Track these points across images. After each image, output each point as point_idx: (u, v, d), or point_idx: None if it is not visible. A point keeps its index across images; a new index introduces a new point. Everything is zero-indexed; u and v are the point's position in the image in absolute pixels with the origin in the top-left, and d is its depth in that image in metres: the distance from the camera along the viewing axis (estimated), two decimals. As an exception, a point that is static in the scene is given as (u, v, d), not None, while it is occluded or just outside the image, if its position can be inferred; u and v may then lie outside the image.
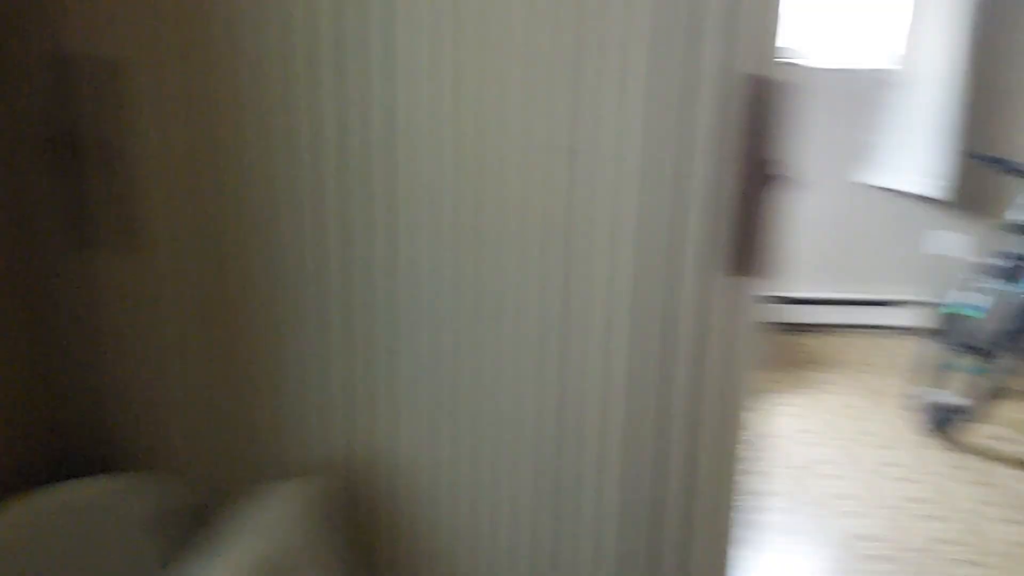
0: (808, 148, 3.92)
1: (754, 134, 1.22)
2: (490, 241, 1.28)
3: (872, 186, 3.96)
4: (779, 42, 1.20)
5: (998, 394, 2.89)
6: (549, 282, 1.30)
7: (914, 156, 3.81)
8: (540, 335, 1.32)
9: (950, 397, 3.13)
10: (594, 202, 1.26)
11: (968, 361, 3.12)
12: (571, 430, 1.35)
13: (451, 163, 1.26)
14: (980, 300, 3.03)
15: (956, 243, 4.01)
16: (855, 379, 3.58)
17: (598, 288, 1.29)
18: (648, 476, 1.37)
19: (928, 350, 3.29)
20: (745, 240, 1.26)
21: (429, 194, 1.27)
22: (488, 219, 1.27)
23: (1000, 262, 3.01)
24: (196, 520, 1.31)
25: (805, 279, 4.11)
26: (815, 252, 4.07)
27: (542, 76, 1.22)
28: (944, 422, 3.06)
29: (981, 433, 3.13)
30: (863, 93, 3.85)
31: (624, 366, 1.32)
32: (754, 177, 1.24)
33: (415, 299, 1.31)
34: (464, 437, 1.37)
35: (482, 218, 1.28)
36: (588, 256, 1.28)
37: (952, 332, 3.13)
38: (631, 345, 1.31)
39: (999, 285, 3.04)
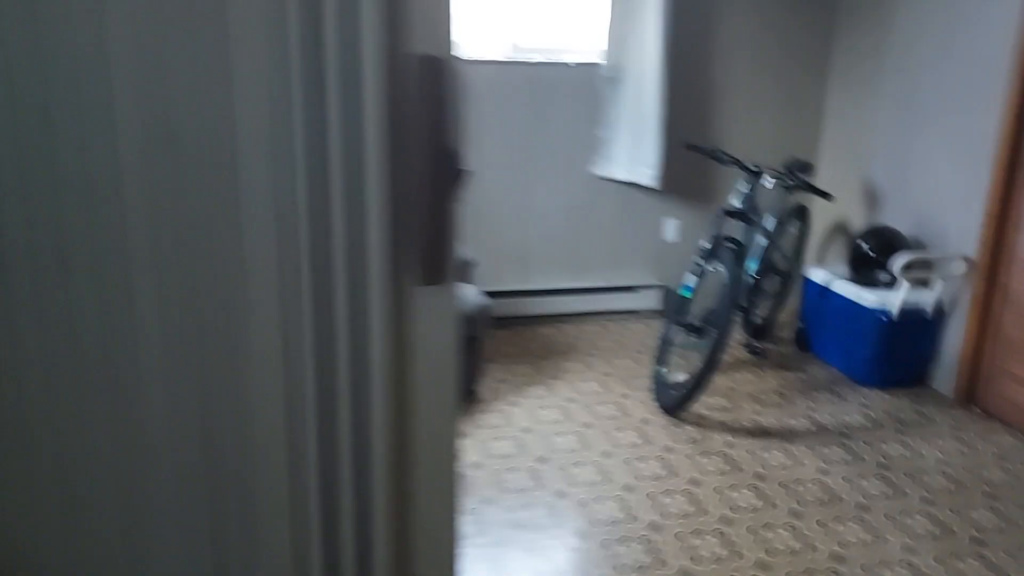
0: (547, 142, 4.01)
1: (431, 123, 1.10)
2: (94, 246, 1.06)
3: (607, 178, 4.13)
4: (452, 18, 1.08)
5: (713, 367, 3.08)
6: (201, 297, 1.11)
7: (637, 148, 4.02)
8: (194, 365, 1.12)
9: (675, 375, 3.32)
10: (247, 201, 1.08)
11: (688, 339, 3.32)
12: (247, 469, 1.18)
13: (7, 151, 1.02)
14: (692, 281, 3.23)
15: (681, 229, 4.29)
16: (597, 365, 3.70)
17: (267, 302, 1.12)
18: (352, 497, 1.24)
19: (660, 332, 3.46)
20: (431, 241, 1.15)
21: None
22: (88, 219, 1.05)
23: (708, 245, 3.22)
24: None
25: (550, 271, 4.21)
26: (557, 244, 4.18)
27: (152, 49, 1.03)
28: (670, 399, 3.22)
29: (702, 405, 3.34)
30: (595, 87, 4.00)
31: (312, 391, 1.17)
32: (435, 171, 1.13)
33: None
34: (97, 486, 1.15)
35: (76, 216, 1.04)
36: (246, 268, 1.11)
37: (675, 313, 3.31)
38: (316, 366, 1.16)
39: (707, 266, 3.25)
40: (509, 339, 3.98)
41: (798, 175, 3.58)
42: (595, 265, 4.26)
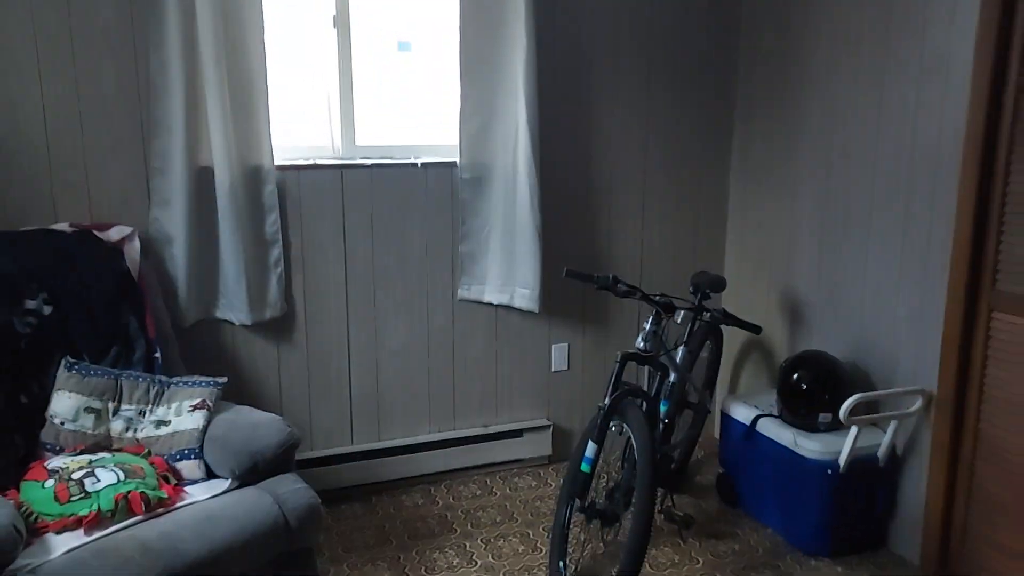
0: (397, 262, 3.18)
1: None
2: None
3: (475, 301, 3.32)
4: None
5: (632, 568, 2.26)
6: None
7: (509, 265, 3.24)
8: None
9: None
10: None
11: (592, 526, 2.50)
12: None
13: None
14: (592, 451, 2.42)
15: (571, 355, 3.52)
16: (478, 553, 2.80)
17: None
18: None
19: (556, 514, 2.61)
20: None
21: None
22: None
23: (608, 401, 2.43)
24: None
25: (410, 421, 3.33)
26: (418, 387, 3.32)
27: None
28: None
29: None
30: (452, 192, 3.21)
31: None
32: None
33: None
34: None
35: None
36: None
37: (573, 491, 2.49)
38: None
39: (610, 427, 2.47)
40: (361, 520, 3.04)
41: (713, 306, 2.89)
42: (469, 409, 3.42)
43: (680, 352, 2.95)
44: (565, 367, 3.53)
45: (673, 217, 3.57)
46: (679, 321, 2.66)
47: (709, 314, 2.82)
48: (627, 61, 3.37)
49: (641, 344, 2.52)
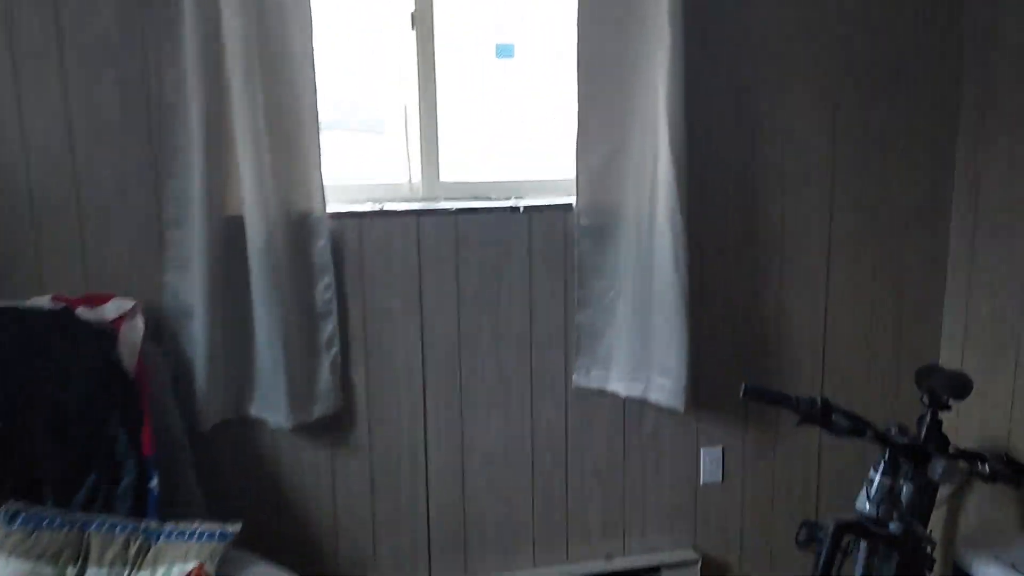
0: (491, 336, 2.38)
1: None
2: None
3: (597, 390, 2.47)
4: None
5: None
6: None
7: (644, 344, 2.37)
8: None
9: None
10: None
11: None
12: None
13: None
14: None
15: (728, 463, 2.60)
16: None
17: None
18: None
19: None
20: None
21: None
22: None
23: None
24: None
25: (511, 551, 2.50)
26: (519, 505, 2.48)
27: None
28: None
29: None
30: (567, 244, 2.39)
31: None
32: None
33: None
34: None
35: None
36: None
37: None
38: None
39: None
40: None
41: (989, 449, 1.92)
42: (587, 534, 2.54)
43: (905, 489, 1.97)
44: (719, 479, 2.60)
45: (870, 279, 2.60)
46: (938, 476, 1.70)
47: (986, 466, 1.82)
48: (808, 65, 2.46)
49: (866, 507, 1.58)
